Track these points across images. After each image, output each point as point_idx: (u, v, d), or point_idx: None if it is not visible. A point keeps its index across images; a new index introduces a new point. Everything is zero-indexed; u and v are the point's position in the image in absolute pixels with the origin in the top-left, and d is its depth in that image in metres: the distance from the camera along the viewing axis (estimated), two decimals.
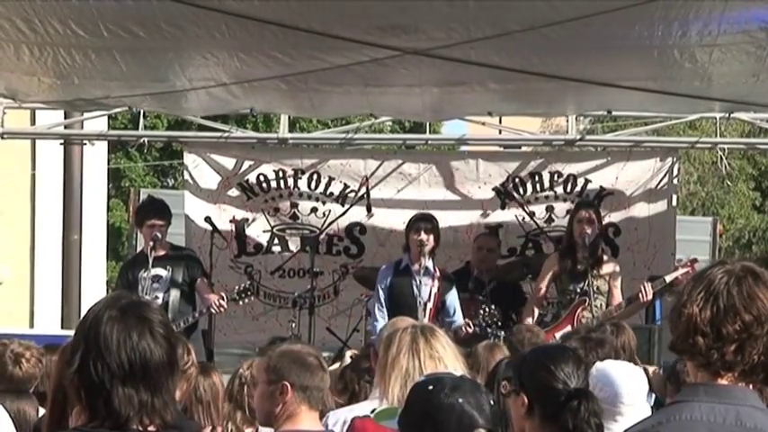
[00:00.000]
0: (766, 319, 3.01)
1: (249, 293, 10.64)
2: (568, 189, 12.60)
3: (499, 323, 10.19)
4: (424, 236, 10.20)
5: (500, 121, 13.43)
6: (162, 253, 10.53)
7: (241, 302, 10.68)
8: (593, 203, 11.34)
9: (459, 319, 10.31)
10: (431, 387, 3.77)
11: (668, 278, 10.03)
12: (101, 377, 2.94)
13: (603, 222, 10.68)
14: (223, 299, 10.31)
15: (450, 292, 10.38)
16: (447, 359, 5.06)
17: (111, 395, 2.94)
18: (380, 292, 10.31)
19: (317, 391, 5.08)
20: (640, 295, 9.90)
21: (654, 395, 6.83)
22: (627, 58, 9.22)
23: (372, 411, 4.55)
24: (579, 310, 10.00)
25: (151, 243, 10.39)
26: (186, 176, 13.06)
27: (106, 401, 2.95)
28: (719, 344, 3.00)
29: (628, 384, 5.20)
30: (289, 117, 13.29)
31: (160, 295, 10.42)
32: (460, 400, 3.69)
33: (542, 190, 12.65)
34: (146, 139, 13.56)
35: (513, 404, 4.33)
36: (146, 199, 11.32)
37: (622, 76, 9.72)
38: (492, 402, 3.82)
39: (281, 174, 12.78)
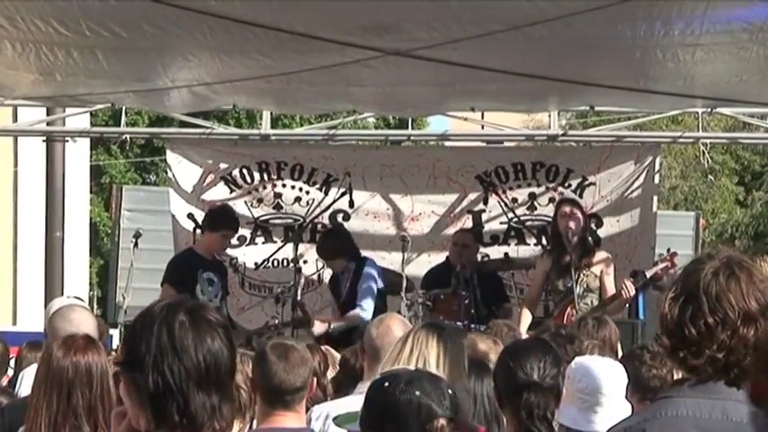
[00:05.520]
0: (732, 321, 2.97)
1: (276, 332, 10.35)
2: (551, 178, 12.63)
3: (482, 318, 10.24)
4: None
5: (482, 117, 13.44)
6: (211, 258, 10.60)
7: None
8: (575, 200, 11.34)
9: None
10: (386, 384, 3.73)
11: (648, 273, 10.04)
12: (178, 382, 2.91)
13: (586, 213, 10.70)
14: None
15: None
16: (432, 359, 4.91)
17: (188, 399, 2.92)
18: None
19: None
20: (622, 292, 9.91)
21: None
22: (610, 58, 9.19)
23: (335, 418, 4.49)
24: (569, 309, 9.95)
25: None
26: (170, 174, 13.04)
27: (181, 406, 2.92)
28: (682, 345, 2.99)
29: (607, 378, 5.22)
30: (271, 113, 13.29)
31: (213, 299, 10.30)
32: (417, 393, 3.66)
33: (525, 179, 12.68)
34: (128, 136, 13.52)
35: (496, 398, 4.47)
36: (222, 208, 11.17)
37: (605, 76, 9.70)
38: (452, 392, 3.77)
39: (263, 166, 12.75)
